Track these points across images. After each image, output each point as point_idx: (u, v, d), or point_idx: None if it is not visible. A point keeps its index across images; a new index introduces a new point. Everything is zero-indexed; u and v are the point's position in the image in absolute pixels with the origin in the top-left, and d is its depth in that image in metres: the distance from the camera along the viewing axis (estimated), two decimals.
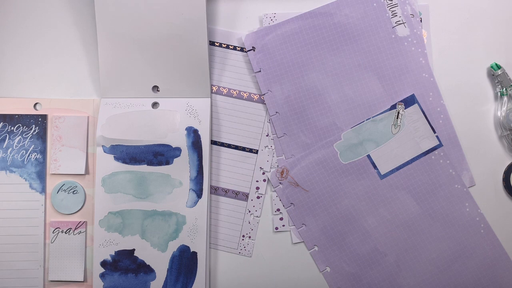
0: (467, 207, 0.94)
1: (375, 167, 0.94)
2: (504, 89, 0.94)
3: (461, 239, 0.94)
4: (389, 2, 0.94)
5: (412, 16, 0.94)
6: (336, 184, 0.95)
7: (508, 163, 0.96)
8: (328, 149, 0.95)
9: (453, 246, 0.94)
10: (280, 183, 0.96)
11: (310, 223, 0.95)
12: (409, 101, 0.94)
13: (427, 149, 0.94)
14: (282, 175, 0.95)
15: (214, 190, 0.96)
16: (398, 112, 0.94)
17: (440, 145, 0.94)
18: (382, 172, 0.94)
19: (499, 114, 0.95)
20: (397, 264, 0.94)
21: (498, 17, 0.97)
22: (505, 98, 0.94)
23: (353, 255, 0.94)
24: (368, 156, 0.95)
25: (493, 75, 0.95)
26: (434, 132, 0.94)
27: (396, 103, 0.94)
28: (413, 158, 0.94)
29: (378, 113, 0.94)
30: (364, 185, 0.95)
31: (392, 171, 0.94)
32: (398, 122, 0.94)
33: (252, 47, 0.96)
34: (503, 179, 0.95)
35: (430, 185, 0.94)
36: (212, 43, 0.97)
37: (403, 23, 0.94)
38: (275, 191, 0.96)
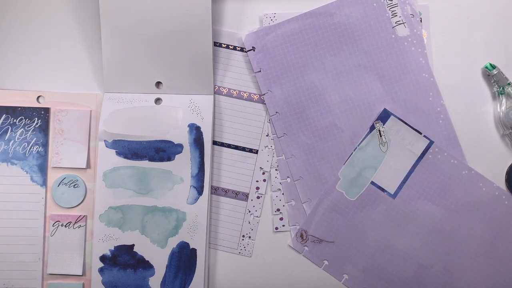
0: (482, 187, 0.94)
1: (383, 190, 0.94)
2: (501, 88, 0.95)
3: (491, 218, 0.93)
4: (389, 2, 0.95)
5: (412, 16, 0.95)
6: (356, 223, 0.95)
7: (510, 163, 0.96)
8: (333, 193, 0.95)
9: (487, 228, 0.93)
10: (305, 246, 0.95)
11: (350, 271, 0.95)
12: (384, 117, 0.94)
13: (421, 151, 0.94)
14: (302, 238, 0.95)
15: (214, 190, 0.96)
16: (379, 131, 0.94)
17: (431, 142, 0.94)
18: (392, 191, 0.94)
19: (499, 113, 0.95)
20: (446, 270, 0.93)
21: (498, 17, 0.97)
22: (503, 97, 0.95)
23: (399, 281, 0.94)
24: (372, 182, 0.94)
25: (488, 75, 0.95)
26: (420, 133, 0.94)
27: (373, 123, 0.94)
28: (413, 165, 0.94)
29: (360, 139, 0.95)
30: (382, 211, 0.94)
31: (400, 187, 0.94)
32: (383, 139, 0.94)
33: (252, 47, 0.96)
34: (505, 179, 0.95)
35: (440, 183, 0.94)
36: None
37: (403, 23, 0.95)
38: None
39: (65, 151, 0.94)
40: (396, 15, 0.95)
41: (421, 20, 0.96)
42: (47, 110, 0.95)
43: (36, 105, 0.95)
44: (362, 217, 0.94)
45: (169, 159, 0.93)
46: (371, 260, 0.94)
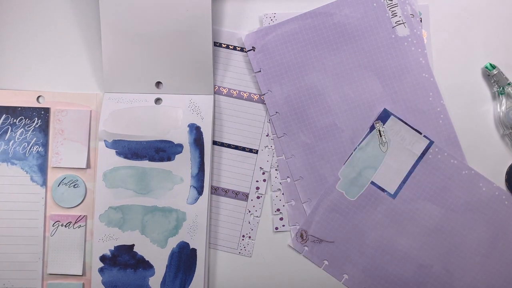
0: (482, 186, 0.94)
1: (383, 190, 0.94)
2: (501, 88, 0.95)
3: (491, 218, 0.93)
4: (389, 2, 0.95)
5: (412, 16, 0.95)
6: (356, 222, 0.95)
7: (510, 163, 0.95)
8: (333, 193, 0.95)
9: (487, 228, 0.93)
10: (305, 246, 0.96)
11: (350, 271, 0.95)
12: (384, 117, 0.94)
13: (421, 151, 0.94)
14: (302, 238, 0.95)
15: (214, 190, 0.96)
16: (379, 131, 0.94)
17: (431, 142, 0.94)
18: (392, 191, 0.94)
19: (499, 113, 0.95)
20: (446, 270, 0.93)
21: (498, 17, 0.97)
22: (503, 97, 0.95)
23: (399, 281, 0.94)
24: (372, 182, 0.94)
25: (488, 75, 0.95)
26: (420, 133, 0.94)
27: (373, 123, 0.95)
28: (413, 165, 0.94)
29: (360, 139, 0.95)
30: (382, 211, 0.94)
31: (400, 187, 0.94)
32: (383, 139, 0.94)
33: (252, 47, 0.96)
34: (505, 179, 0.95)
35: (440, 183, 0.94)
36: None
37: (403, 23, 0.95)
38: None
39: (65, 151, 0.94)
40: (396, 15, 0.95)
41: (421, 20, 0.96)
42: (47, 110, 0.95)
43: (36, 105, 0.95)
44: (362, 217, 0.94)
45: (169, 159, 0.93)
46: (371, 260, 0.94)
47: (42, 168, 0.94)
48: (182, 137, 0.93)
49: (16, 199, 0.94)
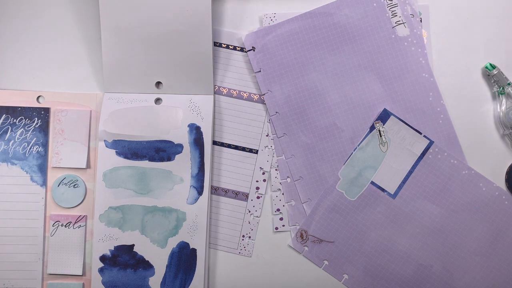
0: (482, 186, 0.94)
1: (383, 190, 0.94)
2: (501, 88, 0.95)
3: (491, 218, 0.93)
4: (389, 2, 0.95)
5: (412, 16, 0.95)
6: (356, 222, 0.95)
7: (510, 163, 0.95)
8: (333, 193, 0.95)
9: (487, 228, 0.93)
10: (305, 246, 0.95)
11: (350, 271, 0.95)
12: (384, 117, 0.94)
13: (422, 151, 0.94)
14: (302, 238, 0.95)
15: (214, 190, 0.96)
16: (379, 131, 0.94)
17: (431, 142, 0.94)
18: (392, 191, 0.94)
19: (499, 113, 0.95)
20: (446, 270, 0.93)
21: (498, 17, 0.97)
22: (503, 97, 0.95)
23: (399, 281, 0.94)
24: (372, 182, 0.94)
25: (488, 75, 0.95)
26: (420, 133, 0.94)
27: (373, 123, 0.95)
28: (413, 165, 0.94)
29: (360, 139, 0.95)
30: (382, 211, 0.94)
31: (400, 187, 0.94)
32: (383, 139, 0.94)
33: (252, 47, 0.96)
34: (505, 179, 0.95)
35: (440, 183, 0.94)
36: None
37: (403, 23, 0.95)
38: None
39: (65, 151, 0.94)
40: (396, 15, 0.95)
41: (421, 20, 0.96)
42: (47, 110, 0.95)
43: (36, 105, 0.95)
44: (362, 217, 0.94)
45: (169, 159, 0.93)
46: (371, 260, 0.94)
47: (42, 168, 0.94)
48: (182, 137, 0.93)
49: (16, 199, 0.93)
